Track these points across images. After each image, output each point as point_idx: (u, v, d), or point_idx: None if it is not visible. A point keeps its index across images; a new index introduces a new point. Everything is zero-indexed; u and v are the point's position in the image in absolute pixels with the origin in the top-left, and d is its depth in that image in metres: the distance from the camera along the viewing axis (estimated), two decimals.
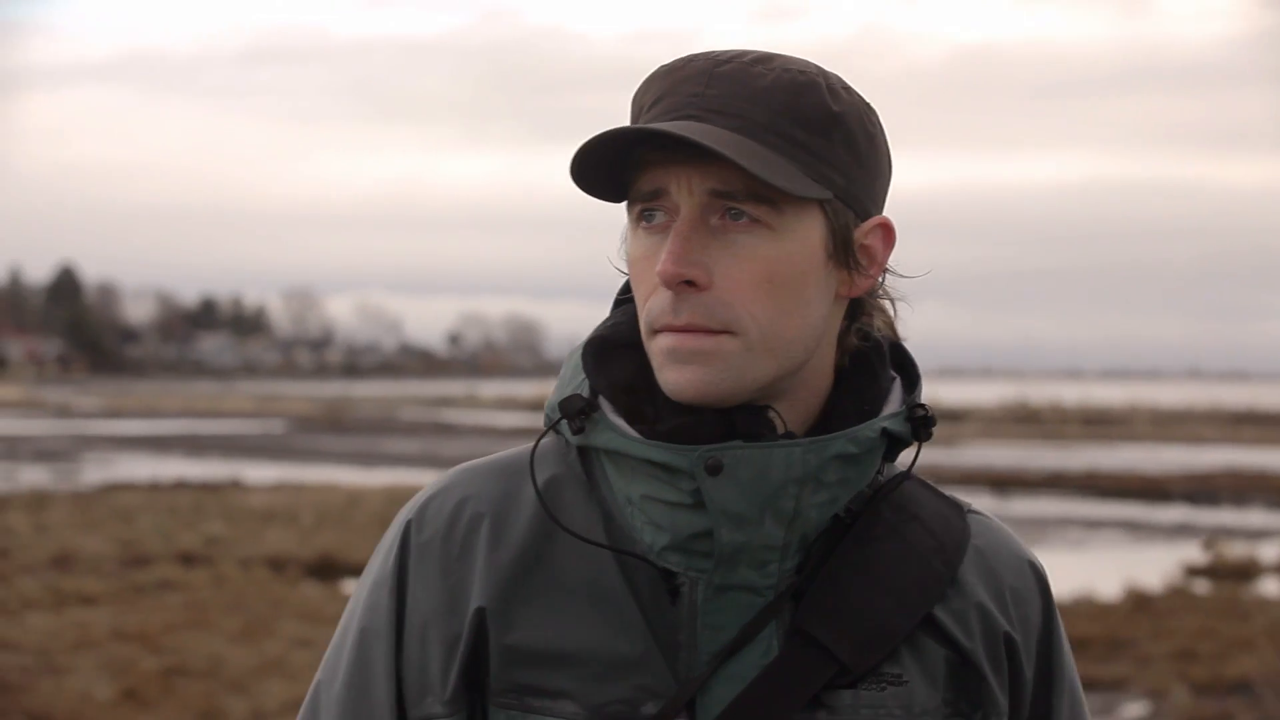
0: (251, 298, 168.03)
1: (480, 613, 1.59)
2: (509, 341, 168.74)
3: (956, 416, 54.01)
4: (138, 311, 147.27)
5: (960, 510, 1.65)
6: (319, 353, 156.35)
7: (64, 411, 56.84)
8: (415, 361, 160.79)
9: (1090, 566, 17.13)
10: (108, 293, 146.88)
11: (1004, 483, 28.36)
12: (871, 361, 1.60)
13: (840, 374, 1.60)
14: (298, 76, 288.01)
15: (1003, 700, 1.62)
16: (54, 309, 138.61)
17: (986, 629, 1.62)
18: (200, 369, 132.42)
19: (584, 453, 1.61)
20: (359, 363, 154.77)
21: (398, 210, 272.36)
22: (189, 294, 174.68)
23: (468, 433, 46.27)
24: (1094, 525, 22.24)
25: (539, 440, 1.61)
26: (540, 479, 1.61)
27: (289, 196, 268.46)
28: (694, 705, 1.55)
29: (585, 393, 1.58)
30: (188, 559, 16.55)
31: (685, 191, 1.52)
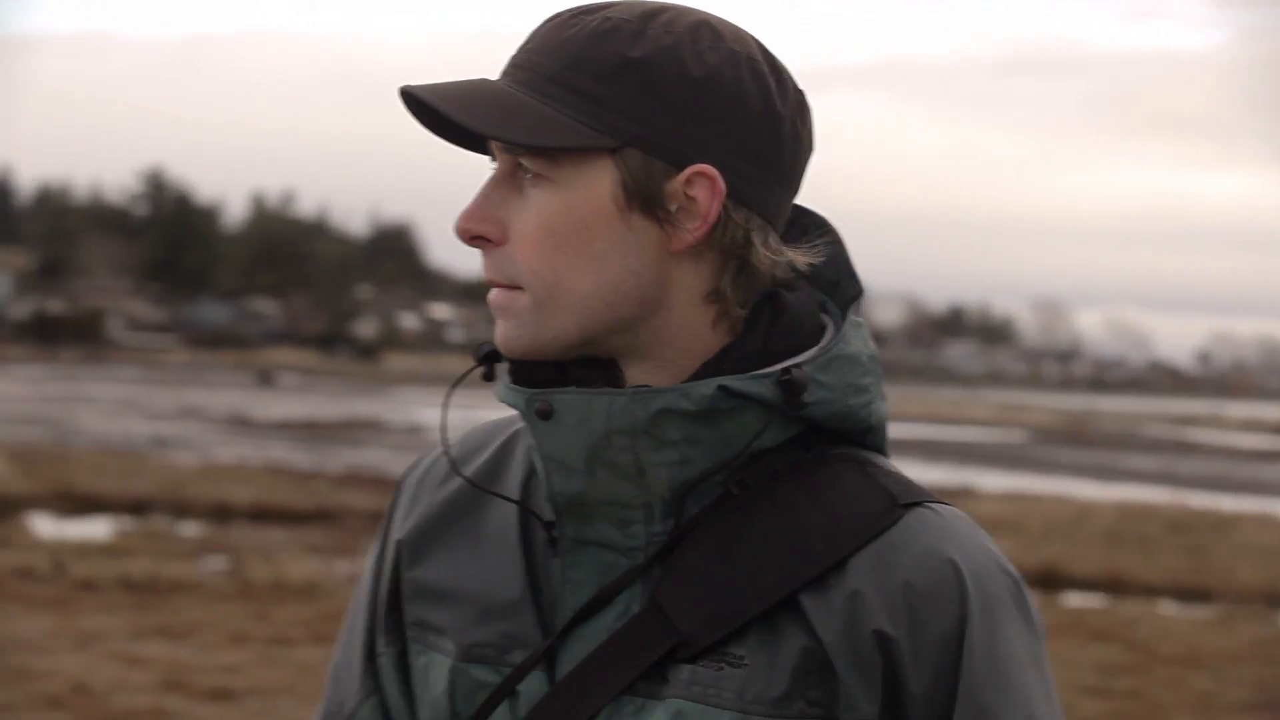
0: (999, 307, 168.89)
1: (399, 545, 1.69)
2: (1260, 363, 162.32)
3: None
4: (886, 316, 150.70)
5: (891, 501, 1.51)
6: (1065, 365, 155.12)
7: None
8: (1163, 378, 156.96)
9: None
10: None
11: None
12: (757, 319, 1.53)
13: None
14: (1052, 88, 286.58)
15: (866, 704, 1.47)
16: None
17: (851, 621, 1.47)
18: (946, 375, 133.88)
19: None
20: (1106, 377, 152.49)
21: (1149, 226, 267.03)
22: (937, 301, 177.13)
23: (1209, 452, 44.81)
24: None
25: (454, 385, 1.63)
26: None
27: (1038, 207, 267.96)
28: (555, 660, 1.55)
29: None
30: None
31: (497, 148, 1.54)
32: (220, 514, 18.78)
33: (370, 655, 1.71)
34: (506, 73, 1.54)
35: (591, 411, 1.50)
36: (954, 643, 1.48)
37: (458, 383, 1.63)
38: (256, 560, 14.85)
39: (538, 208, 1.51)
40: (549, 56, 1.51)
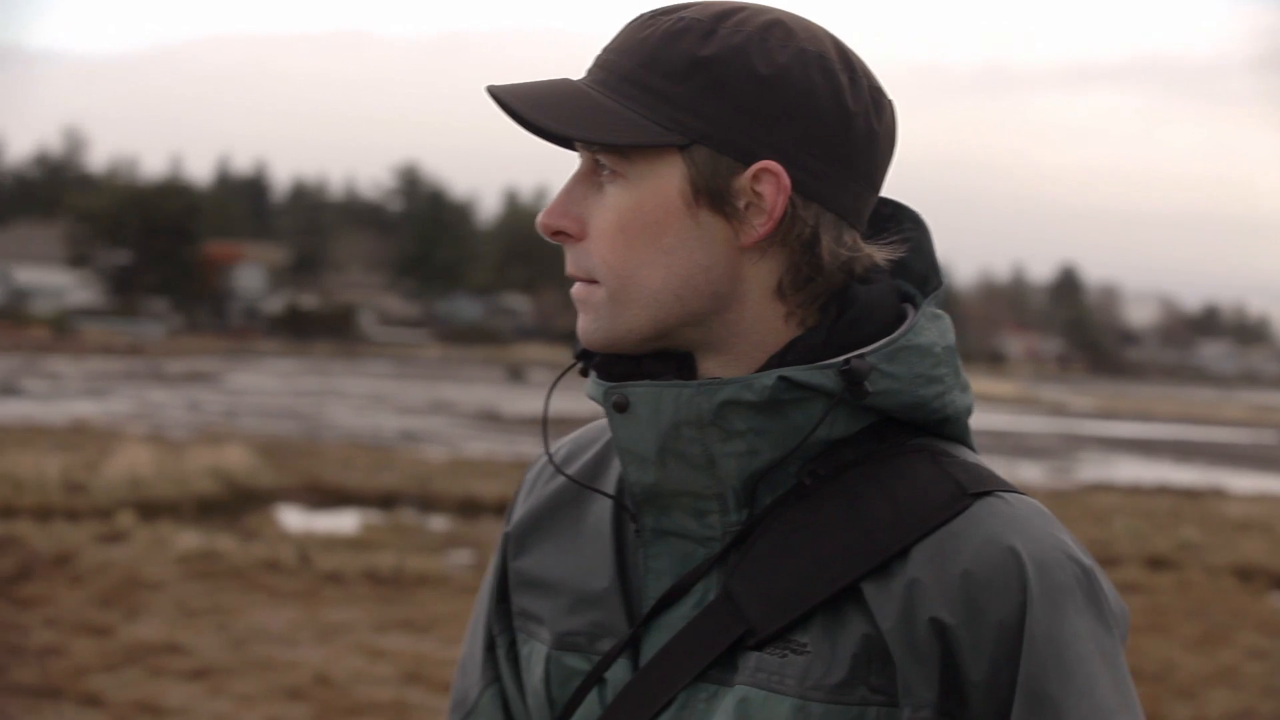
0: (1255, 306, 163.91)
1: (506, 537, 1.76)
2: None
3: None
4: (1139, 315, 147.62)
5: (959, 491, 1.52)
6: None
7: (1058, 410, 57.86)
8: None
9: None
10: (1109, 294, 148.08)
11: None
12: (828, 313, 1.56)
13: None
14: None
15: (924, 691, 1.48)
16: (1055, 308, 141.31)
17: (908, 609, 1.49)
18: (1200, 375, 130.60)
19: None
20: None
21: None
22: (1192, 300, 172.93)
23: None
24: None
25: (554, 383, 1.69)
26: None
27: None
28: (640, 649, 1.60)
29: None
30: (1156, 563, 16.64)
31: (579, 146, 1.58)
32: (467, 508, 19.08)
33: (490, 645, 1.78)
34: (589, 72, 1.59)
35: (661, 403, 1.54)
36: (1014, 631, 1.48)
37: (558, 380, 1.69)
38: None
39: (612, 204, 1.55)
40: (625, 56, 1.55)
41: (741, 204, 1.54)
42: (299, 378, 51.10)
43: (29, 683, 9.43)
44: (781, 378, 1.52)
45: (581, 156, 1.59)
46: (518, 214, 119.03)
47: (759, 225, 1.54)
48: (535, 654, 1.70)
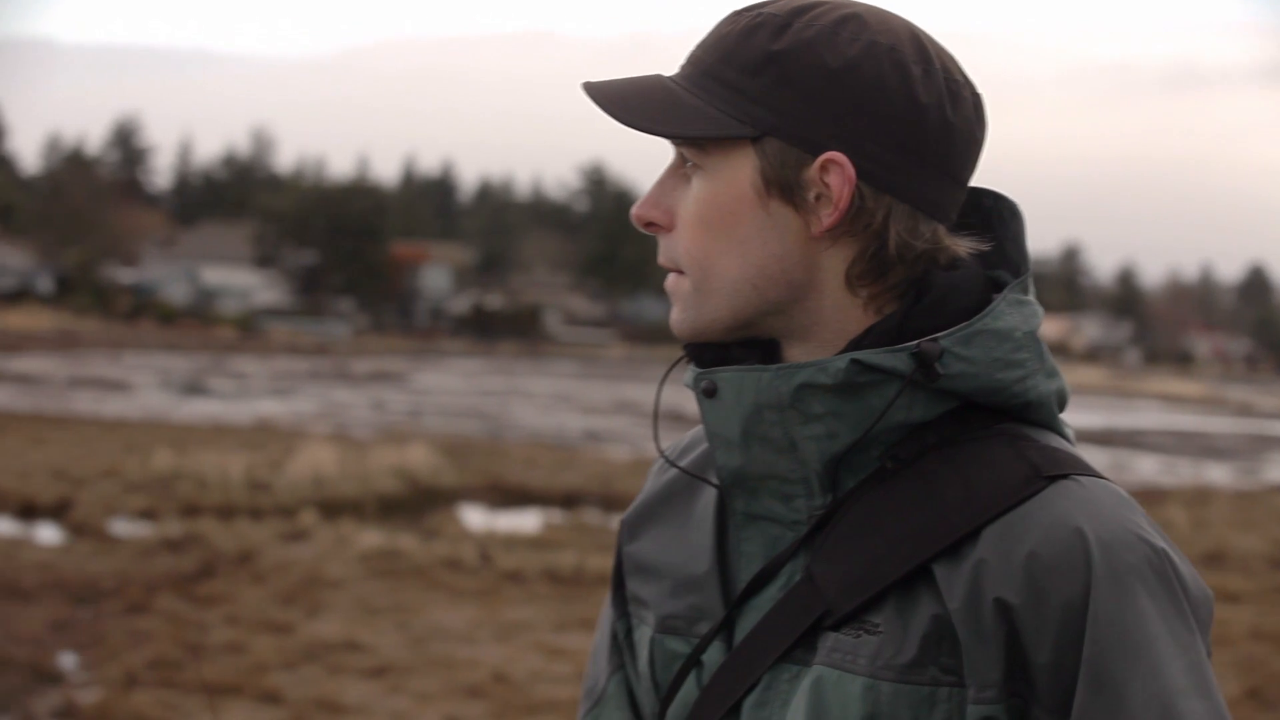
0: None
1: (621, 524, 1.83)
2: None
3: None
4: None
5: (1034, 473, 1.53)
6: None
7: (1245, 410, 56.66)
8: None
9: None
10: None
11: None
12: (907, 298, 1.61)
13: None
14: None
15: (989, 672, 1.50)
16: (1243, 308, 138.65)
17: (973, 590, 1.51)
18: None
19: None
20: None
21: None
22: None
23: None
24: None
25: (665, 374, 1.76)
26: None
27: None
28: (734, 631, 1.65)
29: None
30: None
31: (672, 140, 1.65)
32: None
33: (616, 632, 1.83)
34: (680, 68, 1.65)
35: (744, 388, 1.60)
36: (1078, 612, 1.49)
37: (668, 372, 1.77)
38: None
39: (694, 195, 1.62)
40: (708, 52, 1.62)
41: (811, 195, 1.58)
42: (484, 377, 51.62)
43: (209, 680, 9.53)
44: (854, 360, 1.57)
45: (673, 150, 1.66)
46: None
47: (826, 216, 1.59)
48: (643, 638, 1.76)
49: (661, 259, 1.66)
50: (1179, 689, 1.47)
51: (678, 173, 1.64)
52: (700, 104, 1.59)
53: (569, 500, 19.51)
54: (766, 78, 1.58)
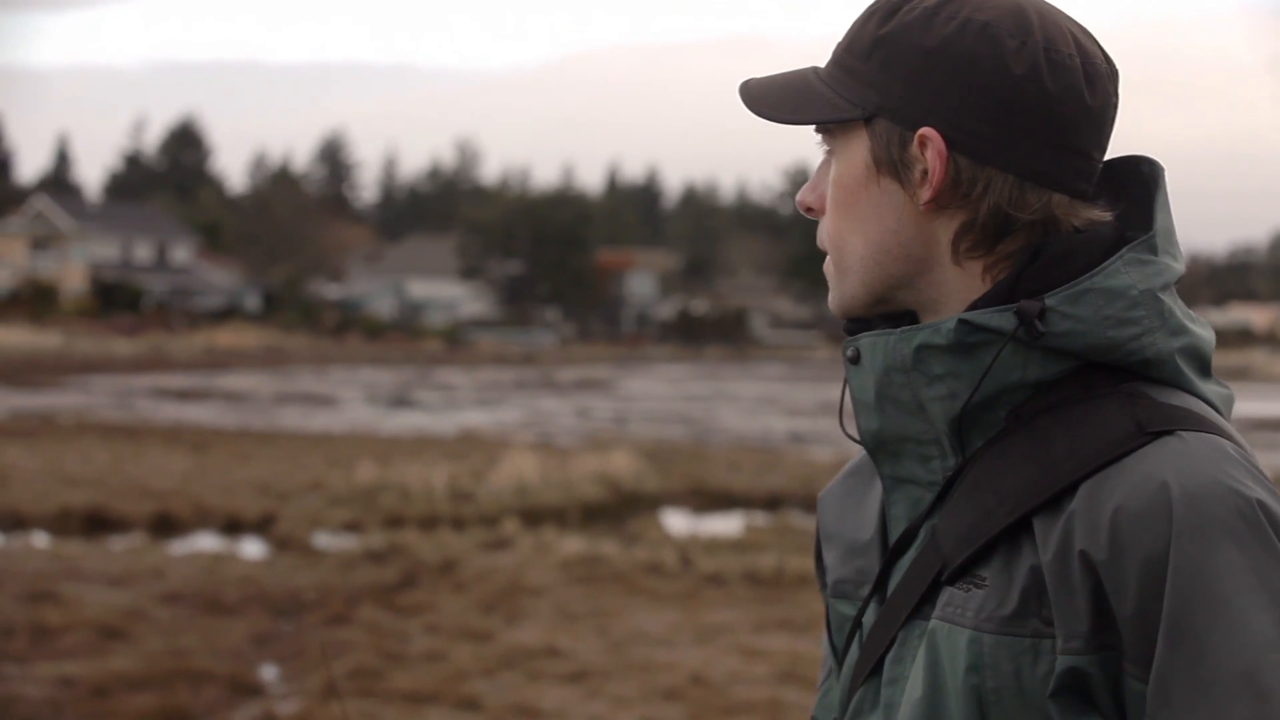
0: None
1: (819, 499, 1.92)
2: None
3: None
4: None
5: (1137, 429, 1.57)
6: None
7: None
8: None
9: None
10: None
11: None
12: (1021, 262, 1.66)
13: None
14: None
15: (1076, 623, 1.53)
16: None
17: (1064, 542, 1.54)
18: None
19: None
20: None
21: None
22: None
23: None
24: None
25: (845, 351, 1.79)
26: None
27: None
28: (886, 593, 1.72)
29: None
30: None
31: None
32: None
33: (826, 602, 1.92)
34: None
35: (876, 352, 1.68)
36: (1159, 565, 1.51)
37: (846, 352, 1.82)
38: None
39: (830, 179, 1.73)
40: (841, 43, 1.74)
41: (916, 171, 1.66)
42: (689, 382, 51.81)
43: (408, 688, 9.72)
44: (961, 320, 1.63)
45: None
46: None
47: (926, 188, 1.66)
48: (827, 604, 1.85)
49: (819, 242, 1.77)
50: (1267, 642, 1.46)
51: (828, 160, 1.74)
52: (827, 91, 1.70)
53: (771, 502, 19.52)
54: (875, 61, 1.68)
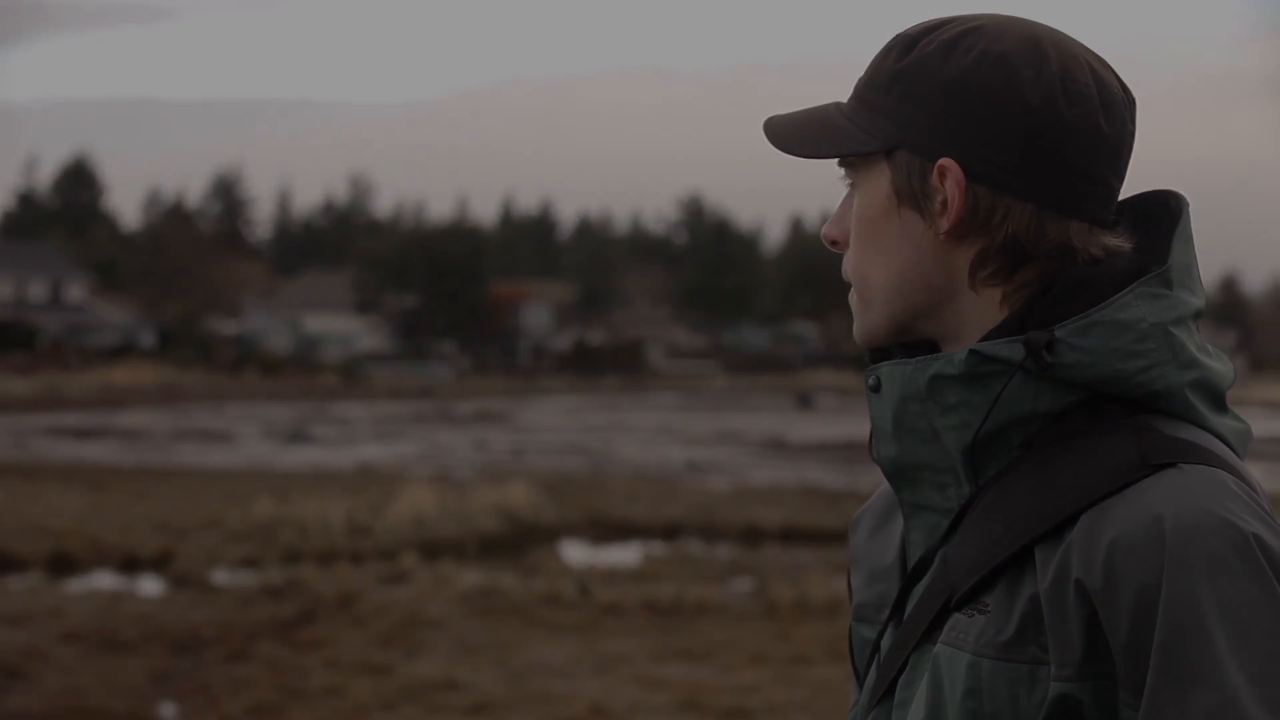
0: None
1: (850, 524, 1.94)
2: None
3: None
4: None
5: (1140, 462, 1.58)
6: None
7: None
8: None
9: None
10: None
11: None
12: (1033, 297, 1.68)
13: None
14: None
15: (1069, 651, 1.55)
16: None
17: (1061, 571, 1.57)
18: None
19: None
20: None
21: None
22: None
23: None
24: None
25: (866, 379, 1.83)
26: None
27: None
28: (903, 617, 1.74)
29: None
30: None
31: None
32: (750, 537, 19.11)
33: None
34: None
35: (894, 380, 1.70)
36: (1152, 596, 1.52)
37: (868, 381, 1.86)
38: (781, 581, 15.03)
39: (853, 211, 1.75)
40: (862, 77, 1.76)
41: (936, 201, 1.69)
42: (586, 413, 51.79)
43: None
44: (972, 351, 1.66)
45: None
46: (803, 241, 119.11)
47: (945, 219, 1.68)
48: (850, 626, 1.89)
49: (842, 274, 1.79)
50: (1249, 677, 1.49)
51: (851, 193, 1.77)
52: (848, 125, 1.73)
53: (670, 532, 19.54)
54: (894, 94, 1.71)
